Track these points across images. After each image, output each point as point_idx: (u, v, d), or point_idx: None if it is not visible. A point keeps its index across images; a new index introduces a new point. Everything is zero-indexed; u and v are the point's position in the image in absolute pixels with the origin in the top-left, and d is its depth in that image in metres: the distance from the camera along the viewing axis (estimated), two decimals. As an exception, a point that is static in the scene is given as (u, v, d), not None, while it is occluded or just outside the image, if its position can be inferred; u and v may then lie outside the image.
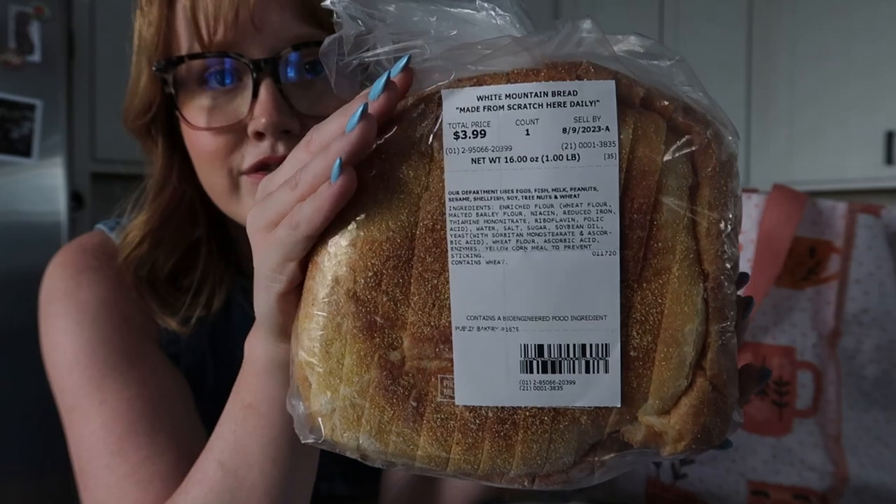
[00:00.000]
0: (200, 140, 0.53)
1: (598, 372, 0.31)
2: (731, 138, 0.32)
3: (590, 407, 0.31)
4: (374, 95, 0.32)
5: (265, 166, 0.51)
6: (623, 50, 0.32)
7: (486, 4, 0.32)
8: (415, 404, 0.32)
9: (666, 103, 0.31)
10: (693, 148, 0.31)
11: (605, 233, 0.30)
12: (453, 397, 0.31)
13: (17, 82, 1.79)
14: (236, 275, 0.63)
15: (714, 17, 2.92)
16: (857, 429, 0.61)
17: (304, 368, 0.33)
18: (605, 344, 0.31)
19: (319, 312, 0.32)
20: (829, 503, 0.60)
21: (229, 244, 0.63)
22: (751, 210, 0.63)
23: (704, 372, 0.32)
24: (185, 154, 0.57)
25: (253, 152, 0.52)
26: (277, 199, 0.34)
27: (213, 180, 0.54)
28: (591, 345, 0.31)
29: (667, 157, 0.31)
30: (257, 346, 0.41)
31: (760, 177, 2.88)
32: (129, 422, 0.54)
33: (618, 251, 0.30)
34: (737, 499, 0.62)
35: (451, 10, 0.32)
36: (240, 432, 0.44)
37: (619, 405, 0.31)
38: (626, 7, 2.95)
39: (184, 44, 0.52)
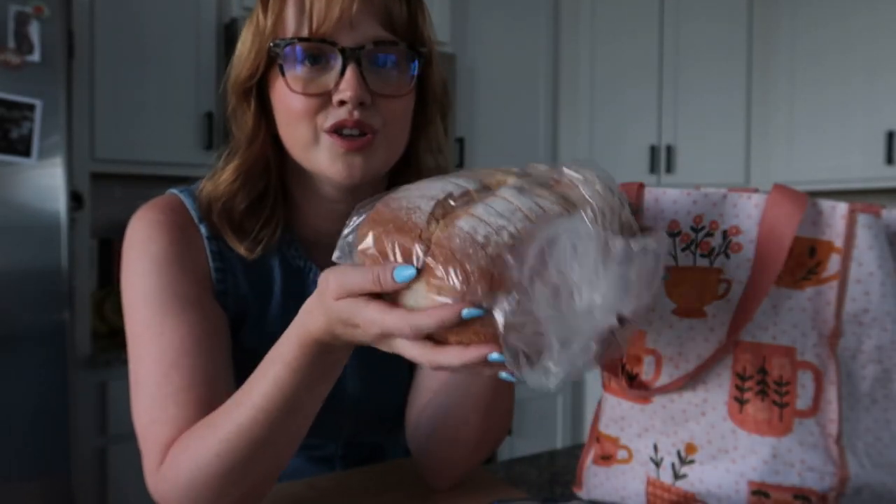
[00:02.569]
0: (294, 101, 0.69)
1: None
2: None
3: None
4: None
5: (342, 126, 0.69)
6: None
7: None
8: None
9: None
10: None
11: None
12: None
13: (17, 82, 1.79)
14: (284, 229, 0.79)
15: (714, 17, 2.91)
16: (857, 429, 0.61)
17: None
18: None
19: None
20: (830, 503, 0.60)
21: (286, 203, 0.80)
22: (751, 210, 0.63)
23: None
24: (270, 118, 0.74)
25: (334, 114, 0.69)
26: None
27: (298, 133, 0.71)
28: None
29: None
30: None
31: (760, 177, 2.88)
32: (177, 354, 0.69)
33: None
34: (737, 499, 0.62)
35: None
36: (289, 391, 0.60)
37: None
38: (626, 6, 2.95)
39: (290, 29, 0.69)
